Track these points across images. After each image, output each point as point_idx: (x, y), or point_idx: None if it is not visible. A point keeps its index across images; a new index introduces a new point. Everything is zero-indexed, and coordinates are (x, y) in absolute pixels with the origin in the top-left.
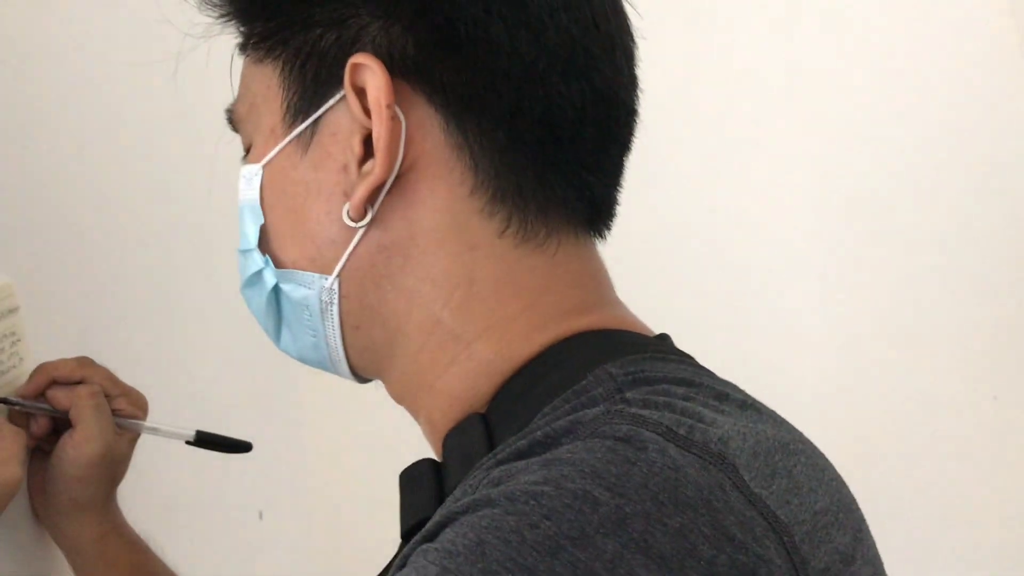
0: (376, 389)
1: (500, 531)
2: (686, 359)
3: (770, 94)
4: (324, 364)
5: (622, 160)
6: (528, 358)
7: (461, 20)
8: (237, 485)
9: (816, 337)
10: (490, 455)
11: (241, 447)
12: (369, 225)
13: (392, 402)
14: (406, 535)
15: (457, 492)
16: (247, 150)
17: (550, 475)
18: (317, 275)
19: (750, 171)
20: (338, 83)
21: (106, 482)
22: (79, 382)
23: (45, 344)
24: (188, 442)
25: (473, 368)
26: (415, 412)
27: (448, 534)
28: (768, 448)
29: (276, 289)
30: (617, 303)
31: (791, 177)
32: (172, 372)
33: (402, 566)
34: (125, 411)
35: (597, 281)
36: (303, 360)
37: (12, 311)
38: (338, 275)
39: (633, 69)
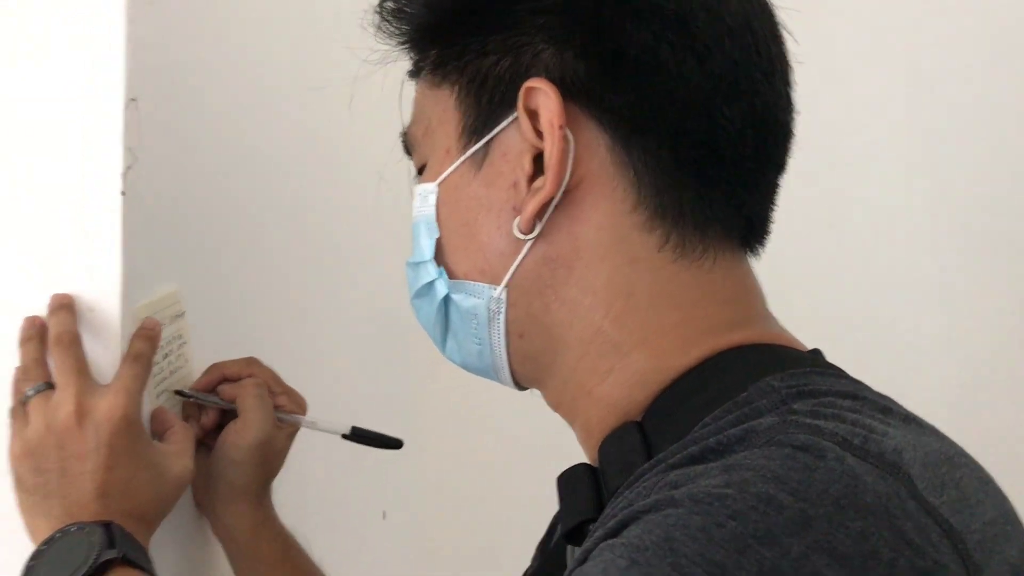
0: (497, 394)
1: (688, 529)
2: (843, 374)
3: (890, 107)
4: (487, 371)
5: (777, 179)
6: (684, 369)
7: (631, 47)
8: (361, 486)
9: (937, 350)
10: (656, 460)
11: (392, 443)
12: (536, 239)
13: (514, 407)
14: (568, 536)
15: (629, 495)
16: (420, 170)
17: (732, 479)
18: (486, 285)
19: (866, 185)
20: (511, 106)
21: (263, 472)
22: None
23: (207, 347)
24: (344, 436)
25: (630, 377)
26: (571, 418)
27: (634, 531)
28: (936, 460)
29: (447, 299)
30: (771, 318)
31: (909, 189)
32: (306, 374)
33: (582, 562)
34: (286, 407)
35: (751, 296)
36: (466, 367)
37: (179, 316)
38: (506, 285)
39: (790, 92)
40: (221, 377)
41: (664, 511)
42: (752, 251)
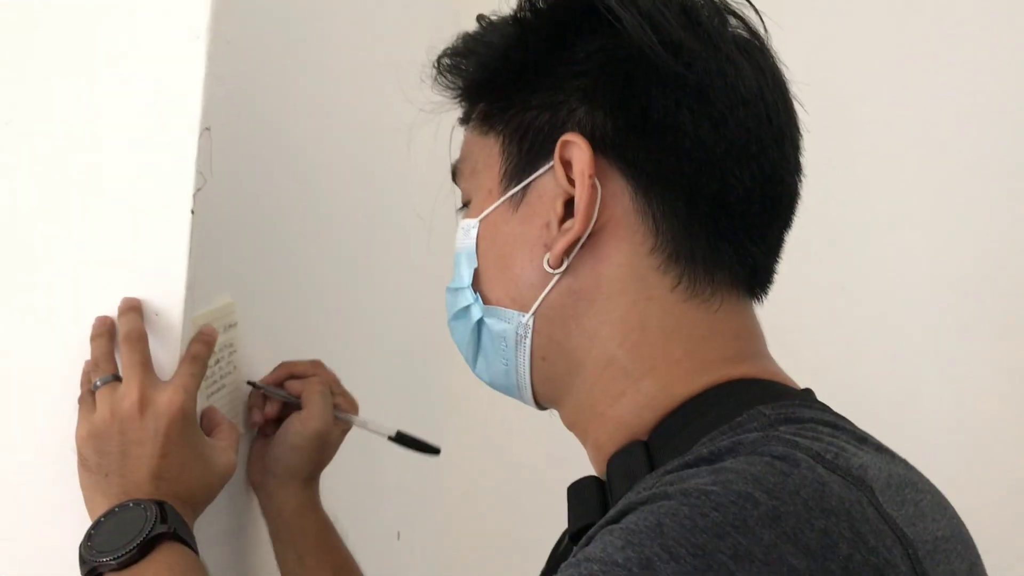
0: (511, 415)
1: (676, 517)
2: (828, 409)
3: (900, 174)
4: (511, 389)
5: (783, 235)
6: (689, 396)
7: (654, 110)
8: (375, 506)
9: (940, 412)
10: (658, 470)
11: (432, 449)
12: (563, 273)
13: (526, 428)
14: (574, 536)
15: (630, 495)
16: (465, 204)
17: (718, 479)
18: (516, 312)
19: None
20: (548, 155)
21: (316, 460)
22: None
23: (255, 355)
24: (389, 438)
25: (640, 401)
26: (584, 436)
27: (631, 518)
28: (899, 482)
29: (480, 322)
30: (769, 358)
31: (923, 251)
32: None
33: (585, 546)
34: (343, 407)
35: (753, 337)
36: (493, 385)
37: (232, 326)
38: (533, 313)
39: (798, 156)
40: (289, 373)
41: (658, 503)
42: (756, 297)
